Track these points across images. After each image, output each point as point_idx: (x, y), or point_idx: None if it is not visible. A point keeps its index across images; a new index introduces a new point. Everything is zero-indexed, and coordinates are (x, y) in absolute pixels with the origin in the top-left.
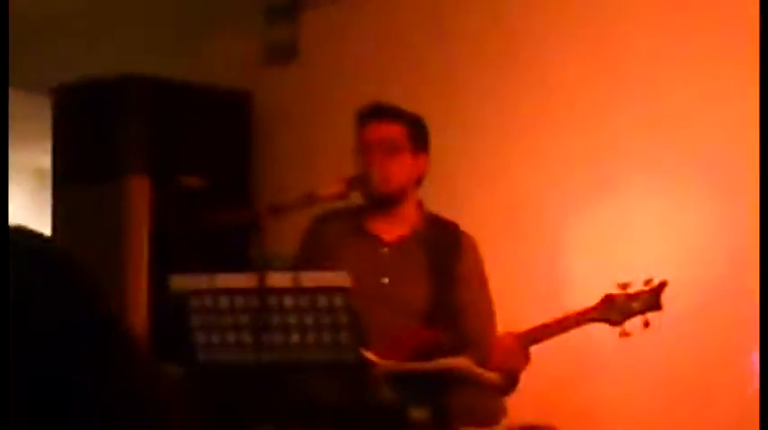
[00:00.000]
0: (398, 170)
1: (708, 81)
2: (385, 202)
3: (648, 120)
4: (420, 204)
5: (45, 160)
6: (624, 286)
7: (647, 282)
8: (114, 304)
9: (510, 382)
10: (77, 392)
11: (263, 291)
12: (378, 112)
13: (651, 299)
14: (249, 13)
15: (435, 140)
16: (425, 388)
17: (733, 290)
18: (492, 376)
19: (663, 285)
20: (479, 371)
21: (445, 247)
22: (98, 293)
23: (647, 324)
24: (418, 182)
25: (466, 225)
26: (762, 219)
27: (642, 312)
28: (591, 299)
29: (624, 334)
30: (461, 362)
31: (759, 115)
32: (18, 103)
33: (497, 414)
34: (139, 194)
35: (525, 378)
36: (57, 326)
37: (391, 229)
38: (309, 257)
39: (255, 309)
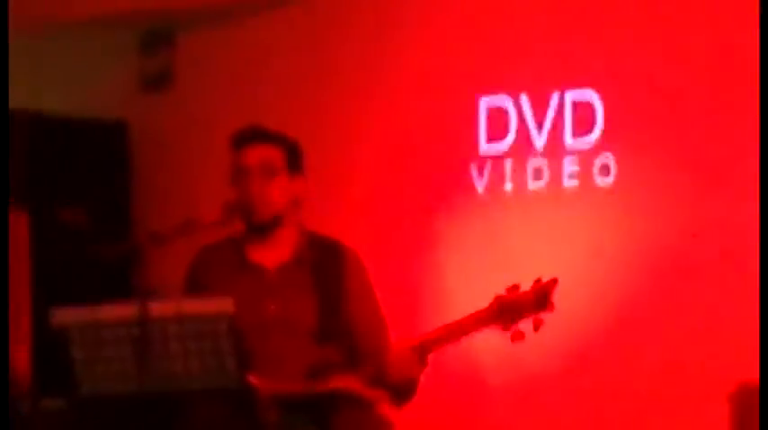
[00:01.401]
0: (277, 193)
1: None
2: (265, 228)
3: None
4: (300, 226)
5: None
6: (514, 288)
7: (537, 282)
8: None
9: (407, 392)
10: None
11: (145, 321)
12: (253, 136)
13: (541, 299)
14: (124, 42)
15: (311, 161)
16: (312, 410)
17: (623, 286)
18: (378, 393)
19: (553, 283)
20: (367, 391)
21: (329, 266)
22: None
23: (538, 324)
24: (297, 204)
25: (349, 241)
26: (762, 219)
27: (534, 313)
28: (483, 303)
29: (517, 336)
30: (347, 381)
31: (759, 115)
32: None
33: None
34: (18, 229)
35: (420, 387)
36: None
37: (273, 256)
38: (194, 291)
39: (138, 339)
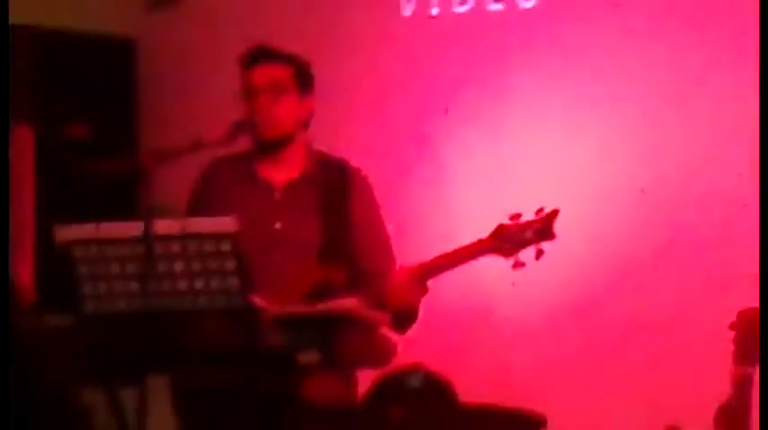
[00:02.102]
0: (285, 112)
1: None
2: (273, 146)
3: (542, 49)
4: (309, 146)
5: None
6: (516, 217)
7: (539, 212)
8: None
9: (407, 318)
10: None
11: (148, 239)
12: (262, 55)
13: (543, 228)
14: None
15: (320, 80)
16: (314, 331)
17: (626, 221)
18: (381, 316)
19: (555, 214)
20: (367, 312)
21: (336, 187)
22: None
23: (540, 253)
24: (306, 124)
25: (354, 162)
26: (762, 215)
27: (535, 242)
28: (484, 231)
29: (518, 265)
30: (349, 303)
31: (759, 114)
32: None
33: (387, 354)
34: (23, 143)
35: (421, 314)
36: None
37: (281, 173)
38: (200, 205)
39: (142, 257)
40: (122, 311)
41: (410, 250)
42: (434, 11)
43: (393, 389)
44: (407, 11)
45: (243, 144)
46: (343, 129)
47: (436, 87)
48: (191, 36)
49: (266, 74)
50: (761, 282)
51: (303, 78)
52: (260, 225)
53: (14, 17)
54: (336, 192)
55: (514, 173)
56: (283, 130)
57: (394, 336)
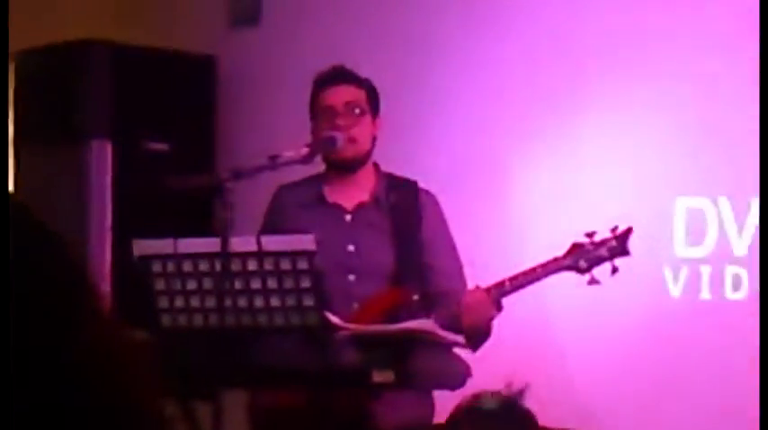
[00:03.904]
0: (364, 133)
1: (676, 18)
2: (350, 167)
3: (612, 61)
4: (377, 167)
5: (7, 126)
6: (590, 235)
7: (614, 230)
8: (78, 258)
9: (479, 336)
10: (40, 351)
11: (225, 256)
12: (339, 76)
13: (618, 245)
14: None
15: (387, 102)
16: (389, 351)
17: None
18: (456, 337)
19: (629, 232)
20: (443, 333)
21: (407, 208)
22: (61, 245)
23: (615, 270)
24: (374, 146)
25: (426, 181)
26: (762, 219)
27: (610, 259)
28: (556, 250)
29: (593, 281)
30: (425, 324)
31: (759, 113)
32: None
33: (462, 376)
34: (102, 158)
35: (495, 333)
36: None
37: (352, 196)
38: (272, 229)
39: (218, 274)
40: (198, 327)
41: (479, 271)
42: None
43: (469, 411)
44: None
45: (310, 168)
46: (409, 150)
47: (502, 104)
48: (271, 54)
49: (345, 94)
50: (761, 281)
51: (374, 101)
52: (332, 247)
53: (95, 33)
54: (407, 213)
55: (587, 189)
56: (361, 151)
57: (468, 357)
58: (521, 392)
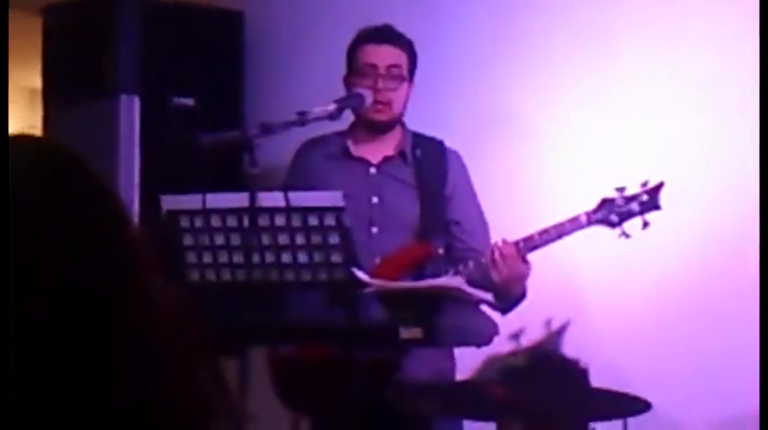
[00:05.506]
0: (399, 98)
1: None
2: (382, 128)
3: (645, 22)
4: (403, 124)
5: (36, 80)
6: (621, 189)
7: (644, 184)
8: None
9: (514, 296)
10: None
11: (254, 211)
12: (386, 35)
13: (649, 199)
14: None
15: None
16: (417, 307)
17: (733, 190)
18: (485, 295)
19: (660, 186)
20: (471, 290)
21: (432, 164)
22: (110, 194)
23: (646, 224)
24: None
25: (451, 140)
26: (762, 214)
27: (641, 213)
28: (586, 205)
29: (624, 235)
30: (453, 281)
31: (759, 113)
32: (9, 22)
33: (489, 333)
34: (130, 113)
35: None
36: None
37: (377, 151)
38: (296, 182)
39: (246, 229)
40: (226, 282)
41: (506, 227)
42: None
43: (497, 368)
44: None
45: (337, 125)
46: (436, 109)
47: (527, 60)
48: (299, 8)
49: (389, 56)
50: (761, 281)
51: (413, 66)
52: (356, 199)
53: None
54: (433, 169)
55: (618, 143)
56: (395, 116)
57: (494, 313)
58: (560, 331)
